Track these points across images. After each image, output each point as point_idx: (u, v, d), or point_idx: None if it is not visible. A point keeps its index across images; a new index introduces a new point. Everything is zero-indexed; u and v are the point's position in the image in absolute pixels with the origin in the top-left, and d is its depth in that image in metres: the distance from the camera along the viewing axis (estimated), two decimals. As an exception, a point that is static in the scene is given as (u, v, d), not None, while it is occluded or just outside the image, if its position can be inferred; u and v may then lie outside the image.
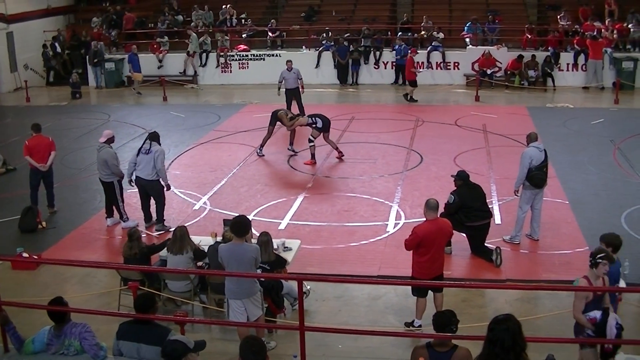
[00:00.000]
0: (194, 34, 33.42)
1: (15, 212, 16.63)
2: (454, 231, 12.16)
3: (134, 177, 15.78)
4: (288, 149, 21.47)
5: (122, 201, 16.13)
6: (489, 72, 30.76)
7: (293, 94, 25.33)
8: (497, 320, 6.54)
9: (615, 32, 31.13)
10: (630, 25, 31.54)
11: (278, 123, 21.18)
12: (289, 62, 25.93)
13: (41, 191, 17.04)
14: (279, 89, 25.42)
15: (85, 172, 20.21)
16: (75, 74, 32.32)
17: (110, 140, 16.08)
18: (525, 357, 6.55)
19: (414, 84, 28.61)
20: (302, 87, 25.54)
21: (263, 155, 21.13)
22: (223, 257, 10.35)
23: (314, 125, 20.38)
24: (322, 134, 20.51)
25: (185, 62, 33.47)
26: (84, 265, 13.89)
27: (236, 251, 10.22)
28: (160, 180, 15.55)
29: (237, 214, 15.93)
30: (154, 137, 15.71)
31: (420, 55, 32.05)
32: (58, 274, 13.84)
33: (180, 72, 33.57)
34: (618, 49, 31.31)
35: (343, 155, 20.84)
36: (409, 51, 29.71)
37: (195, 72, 33.76)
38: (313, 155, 20.50)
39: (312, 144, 20.42)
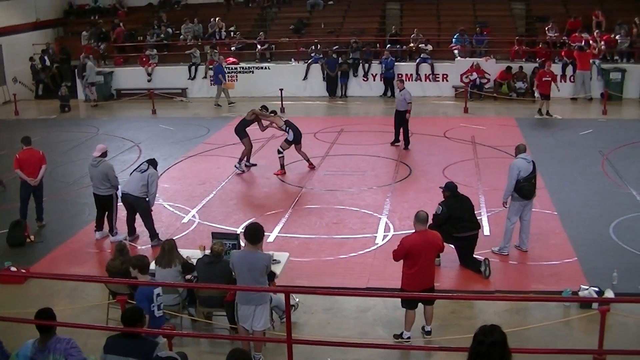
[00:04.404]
0: (90, 63, 32.92)
1: (3, 226, 16.55)
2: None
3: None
4: (246, 164, 21.24)
5: (116, 215, 16.16)
6: (477, 82, 30.84)
7: (399, 118, 23.17)
8: (484, 332, 6.51)
9: (603, 43, 31.29)
10: (617, 37, 31.66)
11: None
12: (399, 82, 24.40)
13: (30, 204, 17.00)
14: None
15: (74, 185, 20.17)
16: (64, 87, 32.28)
17: (104, 154, 16.11)
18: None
19: (548, 97, 27.65)
20: (409, 112, 22.91)
21: (243, 171, 21.02)
22: (235, 263, 10.46)
23: (286, 138, 20.53)
24: (293, 146, 20.62)
25: (85, 91, 33.22)
26: (72, 279, 13.82)
27: (249, 258, 10.33)
28: (147, 199, 15.56)
29: (225, 227, 16.16)
30: (152, 161, 15.86)
31: (409, 67, 32.23)
32: (46, 288, 13.77)
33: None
34: (606, 60, 31.48)
35: (314, 167, 21.00)
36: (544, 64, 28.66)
37: (92, 99, 33.03)
38: (282, 166, 20.66)
39: (281, 155, 20.56)
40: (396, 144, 23.44)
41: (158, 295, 10.10)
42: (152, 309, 9.94)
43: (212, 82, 32.30)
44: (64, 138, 26.16)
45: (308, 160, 21.09)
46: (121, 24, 36.53)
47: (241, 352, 7.61)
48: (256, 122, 21.21)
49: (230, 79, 33.17)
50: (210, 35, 35.77)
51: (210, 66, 33.40)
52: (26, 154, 16.93)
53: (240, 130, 21.00)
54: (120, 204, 16.04)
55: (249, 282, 10.33)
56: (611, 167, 20.31)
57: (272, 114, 21.15)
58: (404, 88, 23.25)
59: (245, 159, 21.13)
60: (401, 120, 23.11)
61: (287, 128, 20.53)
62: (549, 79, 27.26)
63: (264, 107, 21.51)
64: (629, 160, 20.99)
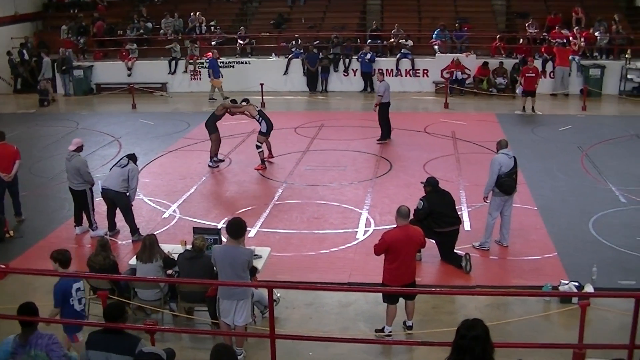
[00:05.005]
0: (47, 59, 32.60)
1: (-20, 222, 16.45)
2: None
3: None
4: (214, 159, 21.19)
5: (93, 209, 16.07)
6: (459, 77, 30.94)
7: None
8: (466, 326, 6.54)
9: (582, 39, 31.42)
10: (597, 33, 31.84)
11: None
12: (379, 74, 24.97)
13: (7, 200, 16.88)
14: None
15: (53, 180, 20.04)
16: (44, 81, 32.03)
17: (80, 148, 15.98)
18: (494, 362, 6.57)
19: (533, 93, 27.55)
20: (376, 105, 23.35)
21: (217, 167, 21.01)
22: (216, 258, 10.44)
23: (260, 130, 20.59)
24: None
25: (43, 85, 32.29)
26: (53, 274, 13.71)
27: (230, 253, 10.31)
28: (128, 194, 15.50)
29: (206, 222, 16.13)
30: (132, 156, 15.81)
31: (389, 63, 32.27)
32: (26, 284, 13.68)
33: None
34: (585, 56, 31.61)
35: (272, 157, 21.30)
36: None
37: (50, 91, 32.42)
38: (263, 161, 20.70)
39: (260, 149, 20.61)
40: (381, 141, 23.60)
41: (78, 289, 10.08)
42: (71, 303, 9.97)
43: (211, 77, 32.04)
44: (44, 133, 26.02)
45: (270, 151, 21.27)
46: (99, 20, 36.33)
47: (225, 347, 7.61)
48: (227, 115, 21.35)
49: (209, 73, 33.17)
50: (191, 29, 35.63)
51: (191, 61, 33.38)
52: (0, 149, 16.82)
53: (210, 125, 20.96)
54: (100, 199, 15.99)
55: (230, 277, 10.32)
56: (590, 163, 20.43)
57: (245, 103, 21.14)
58: (382, 80, 23.49)
59: (215, 155, 21.12)
60: (380, 112, 23.36)
61: (260, 119, 20.54)
62: (533, 74, 27.34)
63: (234, 101, 21.56)
64: (608, 156, 21.13)
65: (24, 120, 28.31)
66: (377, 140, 23.34)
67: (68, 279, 10.09)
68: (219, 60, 31.89)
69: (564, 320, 11.94)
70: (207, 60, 31.78)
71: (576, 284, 12.58)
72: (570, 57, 30.62)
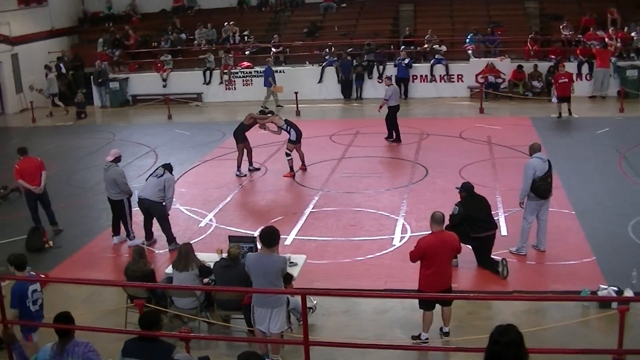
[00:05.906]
0: (52, 75, 33.00)
1: (20, 232, 16.68)
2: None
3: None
4: (249, 169, 21.41)
5: (131, 219, 16.21)
6: (493, 82, 30.80)
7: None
8: (499, 331, 6.48)
9: (618, 40, 31.13)
10: (633, 34, 31.53)
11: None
12: (387, 79, 25.71)
13: (42, 211, 17.13)
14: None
15: (91, 191, 20.24)
16: (80, 94, 32.39)
17: (118, 159, 16.19)
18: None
19: (568, 99, 27.21)
20: (380, 107, 24.43)
21: (245, 175, 21.10)
22: (250, 266, 10.50)
23: (289, 138, 20.69)
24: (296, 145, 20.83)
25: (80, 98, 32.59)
26: (90, 283, 13.92)
27: (264, 261, 10.36)
28: (164, 203, 15.62)
29: (242, 230, 16.18)
30: (168, 166, 15.96)
31: (423, 69, 32.23)
32: (64, 293, 13.81)
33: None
34: (622, 57, 31.30)
35: (306, 169, 21.33)
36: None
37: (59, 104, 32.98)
38: (292, 168, 20.79)
39: (289, 157, 20.67)
40: (389, 139, 24.31)
41: (34, 291, 10.29)
42: (27, 304, 10.20)
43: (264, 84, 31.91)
44: (81, 144, 26.25)
45: (303, 162, 21.33)
46: (130, 31, 36.80)
47: (252, 354, 7.61)
48: (257, 125, 21.44)
49: (245, 83, 33.36)
50: (224, 39, 35.86)
51: (225, 71, 33.54)
52: (24, 163, 16.98)
53: (239, 135, 21.03)
54: (136, 208, 16.11)
55: (264, 285, 10.37)
56: (629, 165, 20.20)
57: (270, 114, 21.31)
58: (390, 85, 24.43)
59: (241, 164, 21.17)
60: (387, 115, 24.13)
61: (288, 127, 20.65)
62: (566, 80, 27.03)
63: (262, 112, 21.70)
64: (647, 158, 20.90)
65: (62, 133, 28.68)
66: (386, 138, 24.27)
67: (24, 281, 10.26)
68: (252, 70, 32.00)
69: (602, 325, 11.81)
70: (264, 69, 31.69)
71: (615, 288, 12.43)
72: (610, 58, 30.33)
